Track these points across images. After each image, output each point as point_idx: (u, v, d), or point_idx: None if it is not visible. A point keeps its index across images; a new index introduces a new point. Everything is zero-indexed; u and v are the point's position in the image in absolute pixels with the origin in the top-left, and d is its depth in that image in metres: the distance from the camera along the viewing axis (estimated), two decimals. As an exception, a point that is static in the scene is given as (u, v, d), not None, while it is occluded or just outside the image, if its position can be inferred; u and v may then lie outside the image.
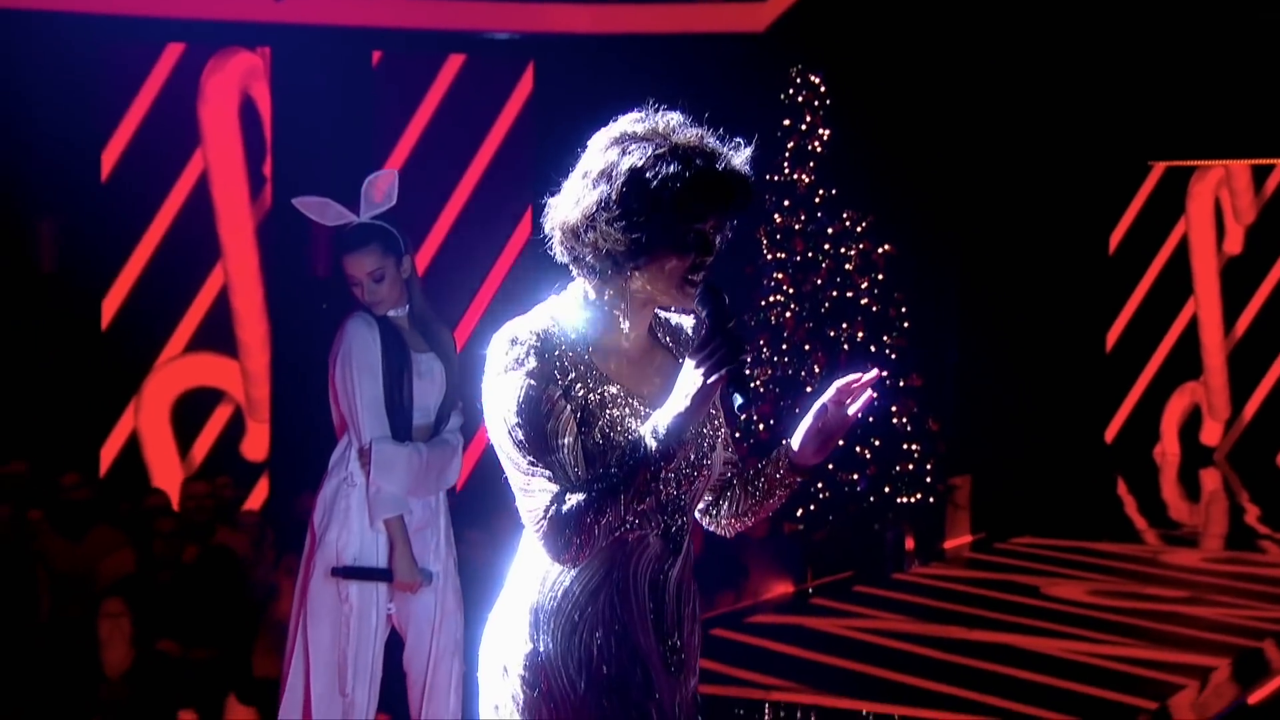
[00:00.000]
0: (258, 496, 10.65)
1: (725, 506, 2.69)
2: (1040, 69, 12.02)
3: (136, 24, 10.70)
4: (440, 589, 4.41)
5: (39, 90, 10.19)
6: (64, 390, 10.38)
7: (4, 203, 10.23)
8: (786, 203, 10.77)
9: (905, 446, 10.47)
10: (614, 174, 2.44)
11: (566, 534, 2.39)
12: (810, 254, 10.68)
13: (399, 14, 11.26)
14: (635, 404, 2.49)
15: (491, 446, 2.50)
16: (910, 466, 10.47)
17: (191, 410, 10.73)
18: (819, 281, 10.60)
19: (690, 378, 2.38)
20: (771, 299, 10.66)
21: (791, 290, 10.66)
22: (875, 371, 2.59)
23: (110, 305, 10.67)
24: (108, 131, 10.66)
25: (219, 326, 10.77)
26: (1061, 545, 10.92)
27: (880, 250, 10.67)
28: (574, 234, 2.48)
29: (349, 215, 4.43)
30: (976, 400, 11.86)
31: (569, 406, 2.44)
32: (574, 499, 2.39)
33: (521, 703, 2.48)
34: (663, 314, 2.64)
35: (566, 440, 2.42)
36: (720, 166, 2.45)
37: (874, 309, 10.57)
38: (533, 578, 2.50)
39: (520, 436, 2.42)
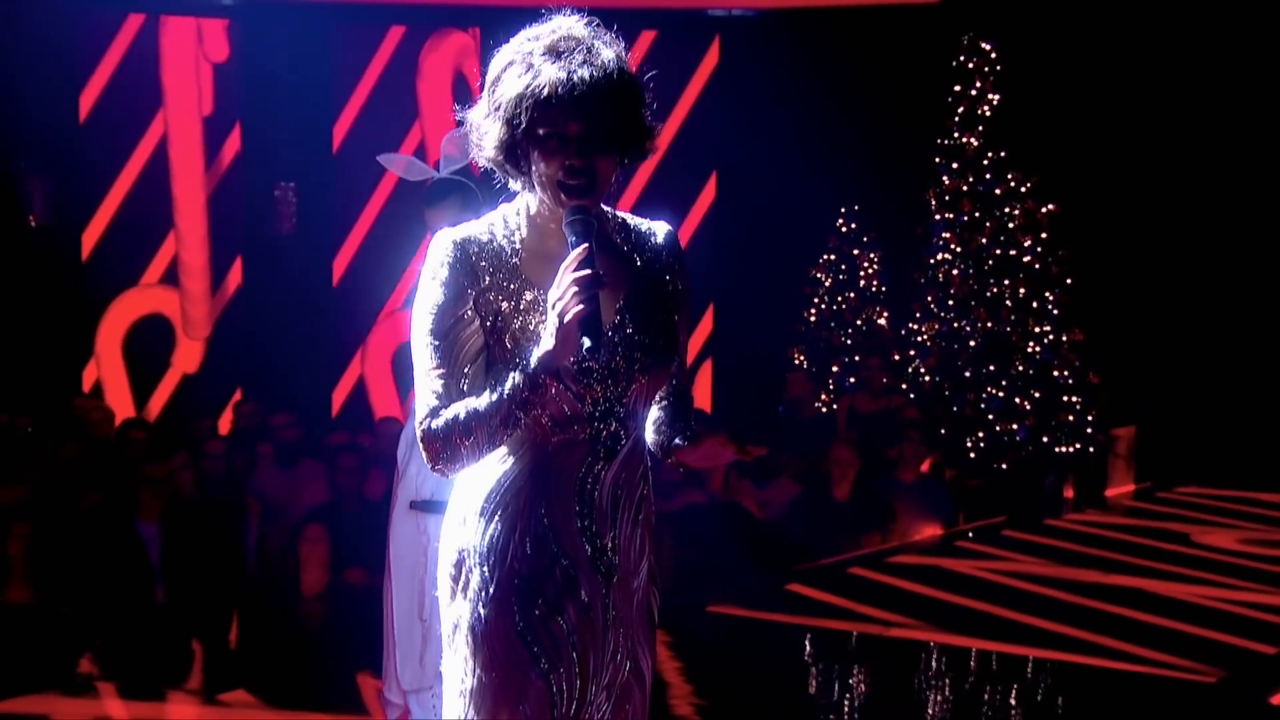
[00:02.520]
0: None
1: (650, 435, 2.59)
2: (1205, 28, 11.39)
3: (361, 9, 11.04)
4: None
5: (274, 76, 10.63)
6: (299, 339, 10.83)
7: (246, 170, 10.75)
8: (955, 165, 10.50)
9: (1066, 399, 10.14)
10: (492, 79, 2.46)
11: (435, 447, 2.40)
12: (977, 214, 10.40)
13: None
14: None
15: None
16: (1070, 418, 10.15)
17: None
18: (983, 240, 10.32)
19: (551, 316, 2.34)
20: (939, 257, 10.43)
21: (959, 249, 10.40)
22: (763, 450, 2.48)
23: (340, 263, 11.09)
24: (338, 107, 11.03)
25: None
26: (1223, 495, 10.47)
27: (1044, 210, 10.33)
28: (476, 140, 2.48)
29: (430, 171, 4.45)
30: (1144, 353, 11.37)
31: (479, 319, 2.42)
32: (447, 415, 2.39)
33: (450, 595, 2.48)
34: (631, 220, 2.59)
35: (467, 351, 2.41)
36: (574, 68, 2.37)
37: (1035, 266, 10.24)
38: (468, 477, 2.49)
39: (425, 341, 2.42)
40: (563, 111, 2.37)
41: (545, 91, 2.37)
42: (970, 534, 9.02)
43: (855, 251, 11.02)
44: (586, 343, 2.31)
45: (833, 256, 11.03)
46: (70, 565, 6.63)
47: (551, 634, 2.43)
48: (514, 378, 2.36)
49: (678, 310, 2.57)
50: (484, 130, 2.46)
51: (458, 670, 2.46)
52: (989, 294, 10.30)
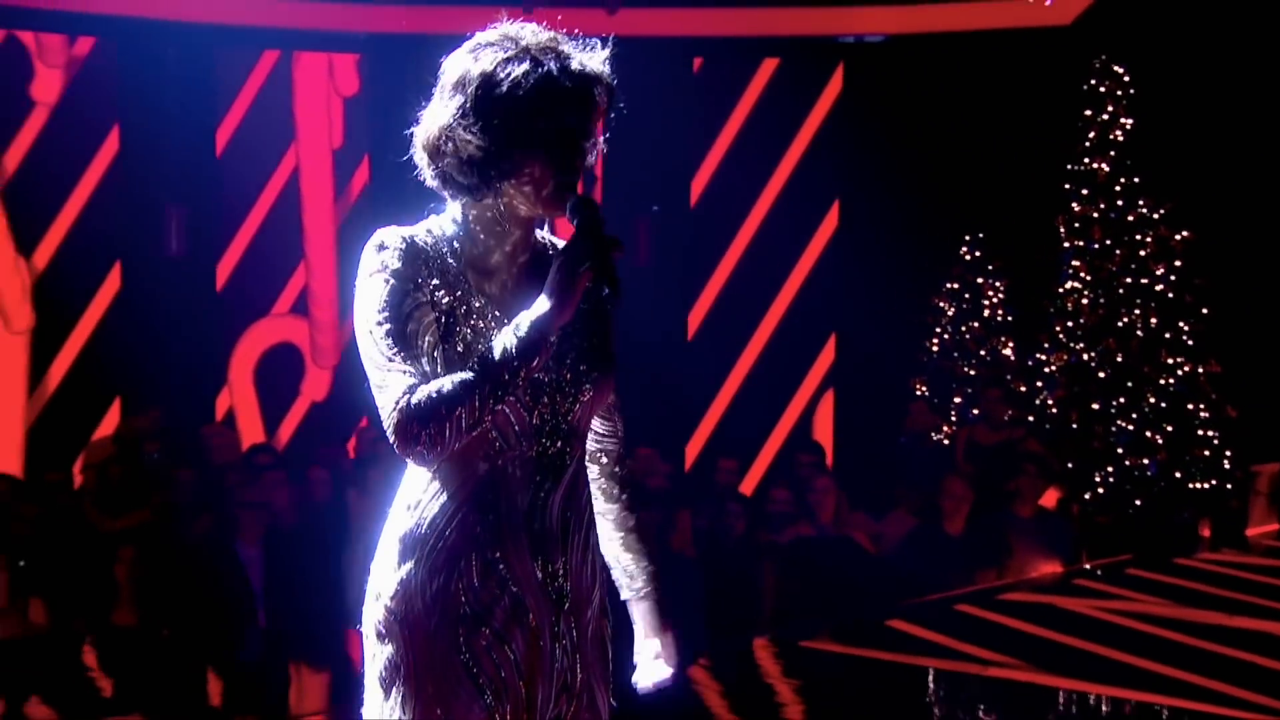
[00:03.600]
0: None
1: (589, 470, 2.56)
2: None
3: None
4: None
5: (402, 109, 10.79)
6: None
7: (373, 201, 10.94)
8: (1085, 191, 10.20)
9: (1201, 433, 9.75)
10: (467, 81, 2.34)
11: (415, 426, 2.23)
12: (1108, 241, 10.09)
13: (719, 23, 11.30)
14: (504, 320, 2.34)
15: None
16: (1206, 453, 9.75)
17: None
18: (1114, 269, 9.99)
19: (556, 275, 2.26)
20: (1068, 286, 10.13)
21: (1089, 277, 10.10)
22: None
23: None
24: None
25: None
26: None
27: (1179, 237, 9.97)
28: (436, 150, 2.36)
29: None
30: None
31: (433, 312, 2.32)
32: (427, 389, 2.25)
33: (384, 629, 2.35)
34: (560, 241, 2.46)
35: (427, 339, 2.30)
36: (571, 65, 2.33)
37: (1169, 295, 9.88)
38: (403, 505, 2.38)
39: (381, 334, 2.29)
40: (578, 106, 2.32)
41: (568, 85, 2.30)
42: (1098, 571, 8.71)
43: (980, 280, 10.77)
44: (606, 291, 2.24)
45: (957, 285, 10.80)
46: (174, 588, 6.77)
47: (497, 663, 2.33)
48: (503, 341, 2.25)
49: (609, 323, 2.49)
50: (462, 133, 2.32)
51: (395, 708, 2.34)
52: (1120, 324, 9.97)
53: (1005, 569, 8.28)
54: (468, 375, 2.25)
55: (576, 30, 2.42)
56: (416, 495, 2.38)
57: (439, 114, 2.37)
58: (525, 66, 2.31)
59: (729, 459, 8.70)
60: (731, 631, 7.26)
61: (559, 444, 2.38)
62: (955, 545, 8.12)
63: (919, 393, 10.64)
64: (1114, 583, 8.40)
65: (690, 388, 11.14)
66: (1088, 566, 8.85)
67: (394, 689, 2.34)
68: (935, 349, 10.80)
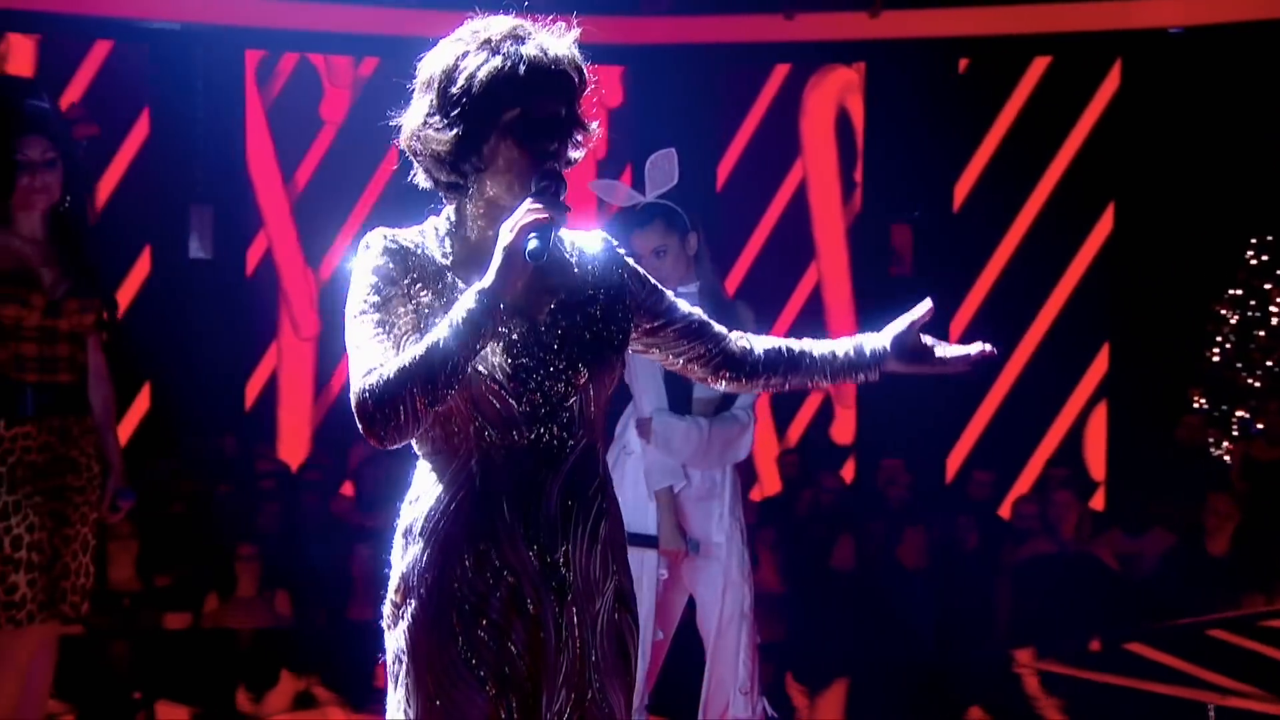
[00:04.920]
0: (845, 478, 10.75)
1: (762, 380, 2.57)
2: None
3: (746, 49, 11.17)
4: (724, 559, 4.33)
5: (663, 119, 10.93)
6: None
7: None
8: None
9: None
10: (431, 80, 2.34)
11: (368, 408, 2.22)
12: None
13: (988, 22, 10.93)
14: (525, 328, 2.32)
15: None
16: None
17: (786, 395, 11.01)
18: None
19: (501, 237, 2.24)
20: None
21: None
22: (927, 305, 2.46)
23: (721, 300, 11.21)
24: (722, 146, 11.20)
25: (812, 320, 10.98)
26: None
27: None
28: (413, 151, 2.37)
29: (637, 196, 4.45)
30: None
31: (409, 305, 2.32)
32: (381, 371, 2.24)
33: (390, 623, 2.36)
34: (568, 233, 2.45)
35: (396, 332, 2.29)
36: (529, 50, 2.30)
37: None
38: (406, 500, 2.39)
39: (359, 319, 2.30)
40: (539, 92, 2.30)
41: (522, 71, 2.29)
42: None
43: (1267, 286, 10.03)
44: (534, 243, 2.20)
45: (1241, 291, 10.10)
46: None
47: (498, 654, 2.28)
48: (449, 318, 2.23)
49: (628, 298, 2.44)
50: (431, 129, 2.32)
51: (401, 701, 2.33)
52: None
53: (1276, 593, 7.69)
54: (416, 353, 2.23)
55: (563, 20, 2.39)
56: (417, 490, 2.39)
57: (410, 116, 2.38)
58: (482, 56, 2.31)
59: (984, 471, 8.39)
60: (961, 649, 7.00)
61: (557, 431, 2.34)
62: (1217, 566, 7.59)
63: (1196, 405, 10.01)
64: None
65: (953, 398, 10.80)
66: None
67: (400, 682, 2.34)
68: (1216, 359, 10.13)
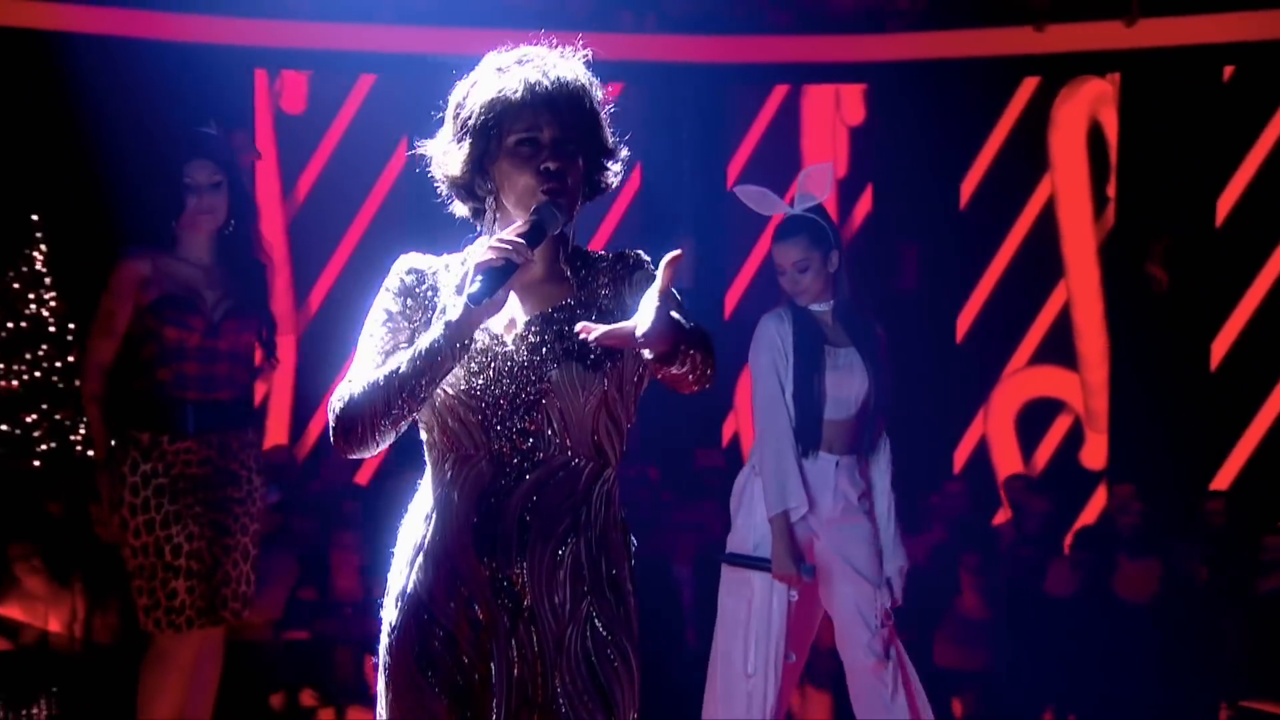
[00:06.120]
0: (1095, 506, 10.26)
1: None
2: None
3: (993, 63, 10.83)
4: (864, 580, 4.19)
5: (905, 136, 10.72)
6: (921, 396, 10.76)
7: (874, 229, 10.93)
8: None
9: None
10: (450, 110, 2.44)
11: (334, 417, 2.33)
12: None
13: (1256, 27, 10.29)
14: (476, 339, 2.35)
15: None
16: None
17: (1034, 419, 10.63)
18: None
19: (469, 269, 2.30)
20: None
21: None
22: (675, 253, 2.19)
23: (964, 320, 10.89)
24: (967, 163, 10.89)
25: (1061, 340, 10.56)
26: None
27: None
28: (440, 179, 2.45)
29: (783, 207, 4.39)
30: None
31: (408, 329, 2.40)
32: (356, 384, 2.34)
33: (379, 633, 2.45)
34: (594, 254, 2.50)
35: (390, 345, 2.39)
36: (532, 75, 2.36)
37: None
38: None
39: (362, 338, 2.42)
40: (537, 113, 2.35)
41: (519, 93, 2.35)
42: None
43: None
44: (476, 287, 2.23)
45: None
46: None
47: (452, 665, 2.32)
48: (418, 341, 2.31)
49: (620, 315, 2.38)
50: (447, 155, 2.42)
51: (379, 706, 2.41)
52: None
53: None
54: (380, 375, 2.32)
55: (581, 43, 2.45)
56: (411, 504, 2.47)
57: (434, 144, 2.47)
58: (490, 81, 2.38)
59: (1216, 500, 7.89)
60: (1189, 691, 6.59)
61: (520, 443, 2.35)
62: None
63: None
64: None
65: (1213, 423, 10.18)
66: None
67: (380, 689, 2.42)
68: None
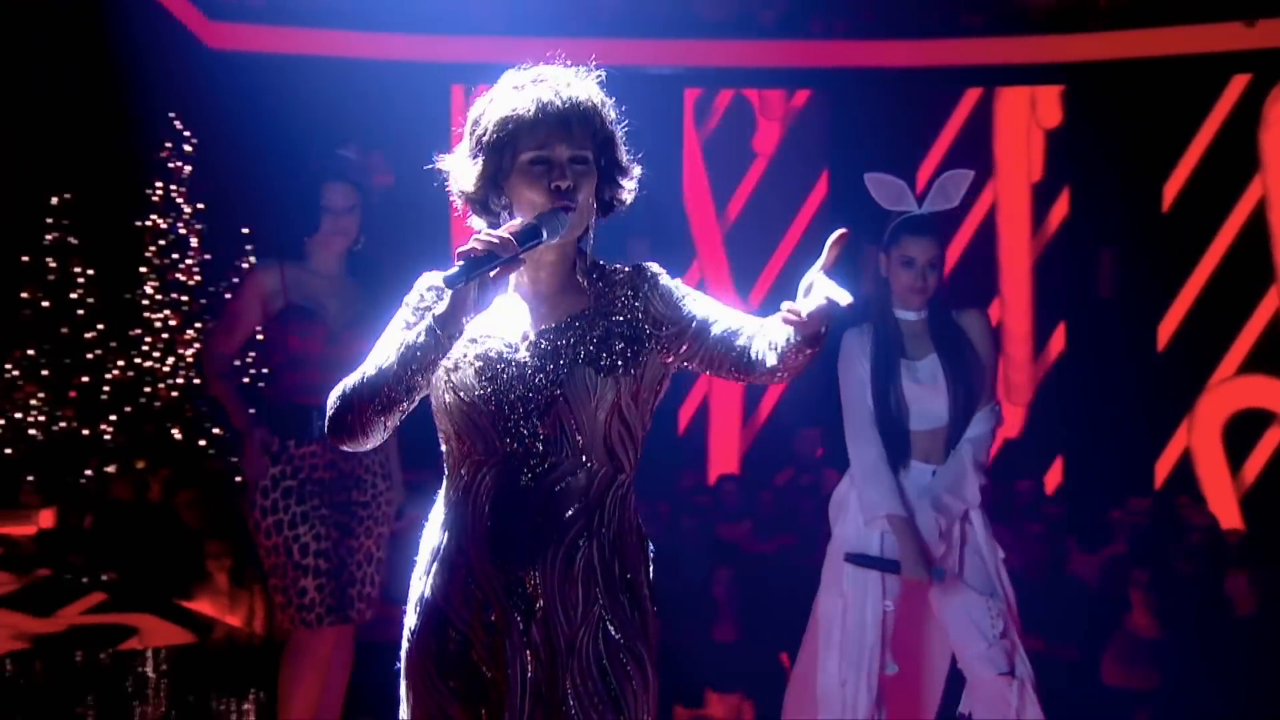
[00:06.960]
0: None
1: (769, 361, 2.32)
2: None
3: (1199, 61, 10.38)
4: (964, 592, 4.06)
5: (1104, 138, 10.37)
6: (1120, 407, 10.38)
7: (1071, 234, 10.60)
8: None
9: None
10: (468, 125, 2.47)
11: (332, 407, 2.38)
12: None
13: None
14: (489, 346, 2.39)
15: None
16: None
17: (1243, 430, 10.13)
18: None
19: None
20: None
21: None
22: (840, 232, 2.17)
23: (1166, 328, 10.47)
24: (1170, 165, 10.47)
25: (1272, 348, 10.05)
26: None
27: None
28: (457, 195, 2.48)
29: (911, 202, 4.30)
30: None
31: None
32: (352, 378, 2.39)
33: (402, 634, 2.49)
34: (607, 265, 2.51)
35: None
36: (542, 94, 2.39)
37: None
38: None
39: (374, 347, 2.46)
40: (549, 132, 2.38)
41: (532, 112, 2.37)
42: None
43: None
44: (454, 269, 2.26)
45: None
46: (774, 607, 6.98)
47: (465, 666, 2.35)
48: (405, 337, 2.35)
49: (647, 327, 2.41)
50: (462, 170, 2.45)
51: (401, 714, 2.45)
52: None
53: None
54: (370, 370, 2.37)
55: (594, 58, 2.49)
56: (430, 513, 2.52)
57: (450, 161, 2.50)
58: (503, 101, 2.41)
59: None
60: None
61: (532, 446, 2.38)
62: None
63: None
64: None
65: None
66: None
67: (402, 693, 2.47)
68: None
